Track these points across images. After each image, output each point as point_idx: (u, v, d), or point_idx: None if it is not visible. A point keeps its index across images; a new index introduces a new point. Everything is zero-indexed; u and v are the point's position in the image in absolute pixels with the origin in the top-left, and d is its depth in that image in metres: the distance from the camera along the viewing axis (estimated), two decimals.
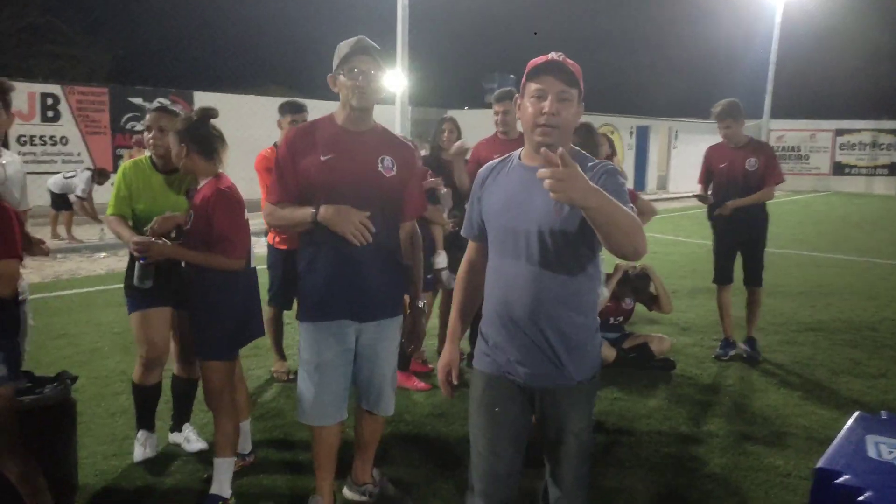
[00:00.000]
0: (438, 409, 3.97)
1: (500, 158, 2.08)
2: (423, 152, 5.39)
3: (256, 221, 3.01)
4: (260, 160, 4.19)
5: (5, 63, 21.35)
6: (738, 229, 4.97)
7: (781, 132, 25.46)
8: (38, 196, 11.19)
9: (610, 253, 1.74)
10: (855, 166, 25.14)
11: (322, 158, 2.48)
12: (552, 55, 1.90)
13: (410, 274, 2.75)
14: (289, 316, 4.53)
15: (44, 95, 12.98)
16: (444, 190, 4.39)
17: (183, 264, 2.89)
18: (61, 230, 10.21)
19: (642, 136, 23.35)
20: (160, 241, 2.80)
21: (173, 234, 3.03)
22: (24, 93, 12.82)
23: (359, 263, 2.52)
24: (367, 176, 2.52)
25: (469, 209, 2.16)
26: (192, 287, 2.82)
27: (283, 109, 4.31)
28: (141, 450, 3.33)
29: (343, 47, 2.50)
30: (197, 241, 2.76)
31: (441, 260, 4.32)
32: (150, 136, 3.14)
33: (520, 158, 2.01)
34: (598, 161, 1.96)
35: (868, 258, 9.84)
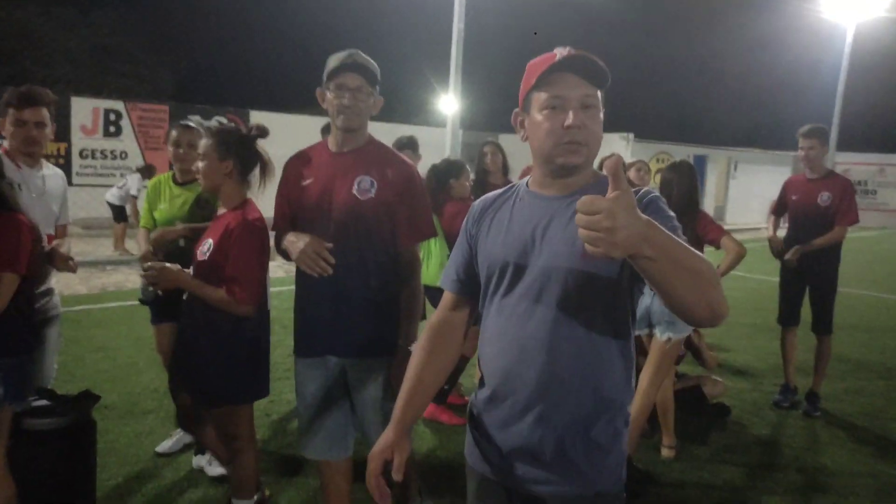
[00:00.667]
0: None
1: (499, 191, 1.64)
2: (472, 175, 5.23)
3: None
4: None
5: (78, 80, 22.33)
6: (806, 267, 4.54)
7: (848, 165, 24.44)
8: (99, 207, 11.52)
9: (676, 315, 1.28)
10: None
11: (303, 184, 2.32)
12: (559, 51, 1.42)
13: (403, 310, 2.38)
14: None
15: (107, 111, 13.43)
16: None
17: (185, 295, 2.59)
18: (129, 245, 10.26)
19: (700, 166, 22.72)
20: (173, 268, 2.47)
21: (182, 243, 3.05)
22: (88, 108, 13.30)
23: (341, 296, 2.30)
24: (337, 200, 2.27)
25: (454, 252, 1.68)
26: (198, 324, 2.50)
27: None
28: (168, 442, 3.52)
29: (332, 60, 2.27)
30: (211, 272, 2.43)
31: None
32: (181, 151, 3.29)
33: (528, 186, 1.57)
34: (635, 187, 1.48)
35: None
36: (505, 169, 4.56)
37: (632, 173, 4.75)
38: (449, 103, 12.58)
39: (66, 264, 2.71)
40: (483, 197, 1.66)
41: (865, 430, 4.29)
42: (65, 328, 3.90)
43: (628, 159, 6.73)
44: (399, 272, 2.36)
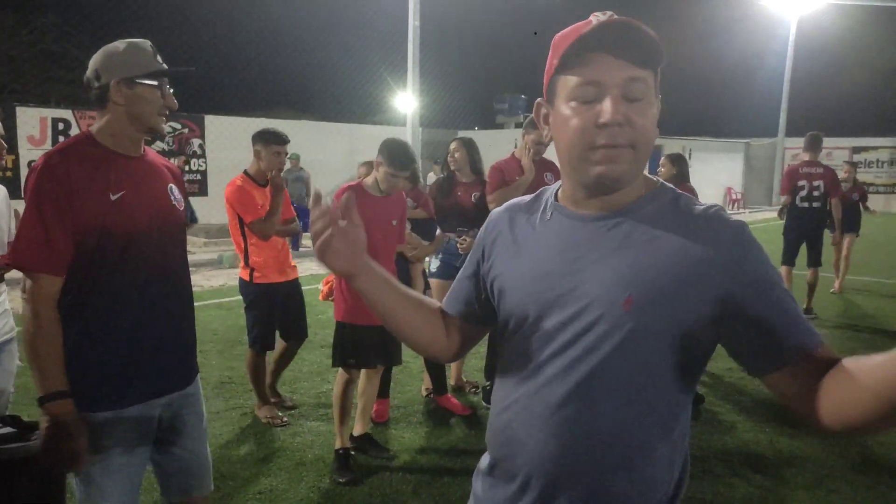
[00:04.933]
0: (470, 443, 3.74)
1: (527, 198, 1.28)
2: (432, 175, 5.19)
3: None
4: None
5: (22, 89, 21.60)
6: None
7: (797, 150, 25.14)
8: None
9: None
10: (873, 184, 24.75)
11: (112, 197, 1.83)
12: (595, 18, 1.06)
13: None
14: (306, 349, 4.35)
15: (55, 120, 13.01)
16: (457, 237, 4.22)
17: None
18: None
19: (657, 156, 23.10)
20: None
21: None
22: (35, 118, 12.86)
23: (164, 326, 1.96)
24: (164, 212, 1.97)
25: (463, 270, 1.34)
26: None
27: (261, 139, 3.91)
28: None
29: (139, 51, 1.87)
30: None
31: None
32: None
33: (557, 198, 1.21)
34: (705, 205, 1.12)
35: None
36: (474, 166, 4.44)
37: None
38: (407, 102, 12.53)
39: None
40: (506, 205, 1.30)
41: None
42: (22, 348, 3.76)
43: None
44: None
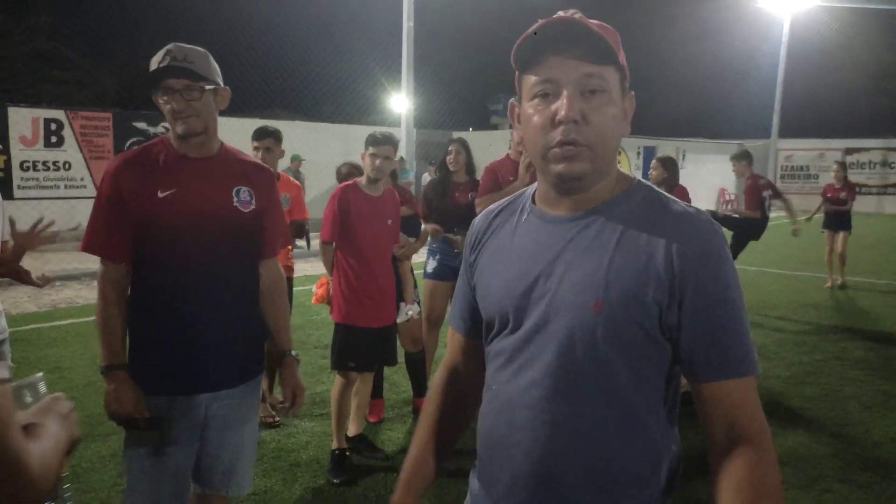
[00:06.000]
0: None
1: (506, 200, 1.29)
2: (426, 175, 5.18)
3: None
4: None
5: (14, 89, 21.48)
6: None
7: (790, 151, 25.29)
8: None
9: None
10: (865, 185, 24.88)
11: (160, 195, 1.94)
12: (561, 13, 1.08)
13: (274, 322, 2.22)
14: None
15: (47, 121, 12.93)
16: (454, 237, 4.21)
17: None
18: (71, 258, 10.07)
19: (650, 157, 23.16)
20: None
21: None
22: (27, 118, 12.79)
23: (222, 317, 2.03)
24: (220, 213, 2.02)
25: (458, 285, 1.37)
26: None
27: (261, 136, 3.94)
28: None
29: (153, 62, 1.96)
30: None
31: (412, 312, 3.92)
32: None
33: (534, 201, 1.22)
34: (683, 205, 1.12)
35: (888, 280, 9.57)
36: (469, 168, 4.48)
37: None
38: (401, 102, 12.53)
39: (32, 279, 2.80)
40: (487, 210, 1.31)
41: (827, 410, 4.42)
42: (15, 349, 3.74)
43: None
44: (269, 283, 2.20)
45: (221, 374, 2.05)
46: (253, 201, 2.09)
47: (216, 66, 2.04)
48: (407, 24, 12.19)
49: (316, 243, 11.12)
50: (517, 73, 1.14)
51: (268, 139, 3.93)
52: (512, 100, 1.18)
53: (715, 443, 1.08)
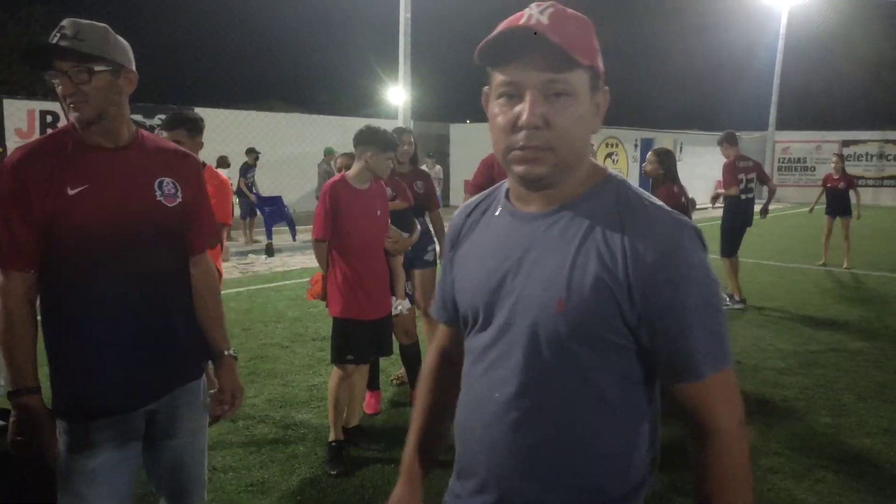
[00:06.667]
0: None
1: (483, 195, 1.30)
2: (424, 167, 5.16)
3: None
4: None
5: (9, 80, 21.37)
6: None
7: (787, 143, 25.29)
8: None
9: None
10: (861, 177, 24.91)
11: (70, 192, 1.71)
12: (528, 13, 1.06)
13: (207, 321, 2.00)
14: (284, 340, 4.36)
15: (43, 113, 12.90)
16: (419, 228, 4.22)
17: None
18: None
19: (647, 149, 23.09)
20: None
21: None
22: (23, 110, 12.76)
23: (149, 323, 1.84)
24: (141, 209, 1.80)
25: (440, 276, 1.39)
26: None
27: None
28: None
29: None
30: None
31: (401, 307, 3.87)
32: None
33: (506, 196, 1.22)
34: (653, 202, 1.11)
35: (883, 272, 9.60)
36: (413, 158, 4.56)
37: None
38: (398, 94, 12.49)
39: None
40: (464, 204, 1.33)
41: (821, 401, 4.45)
42: None
43: None
44: (201, 281, 2.00)
45: (157, 384, 1.86)
46: (178, 193, 1.87)
47: (121, 43, 1.79)
48: (404, 15, 12.12)
49: (303, 236, 11.22)
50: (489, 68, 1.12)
51: (179, 130, 3.25)
52: (486, 88, 1.16)
53: (690, 433, 1.14)
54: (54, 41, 1.69)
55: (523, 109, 1.04)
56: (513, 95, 1.06)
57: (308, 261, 10.13)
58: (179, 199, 1.88)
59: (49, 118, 12.98)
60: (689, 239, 1.06)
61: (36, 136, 12.78)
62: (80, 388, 1.78)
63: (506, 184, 1.25)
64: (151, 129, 13.40)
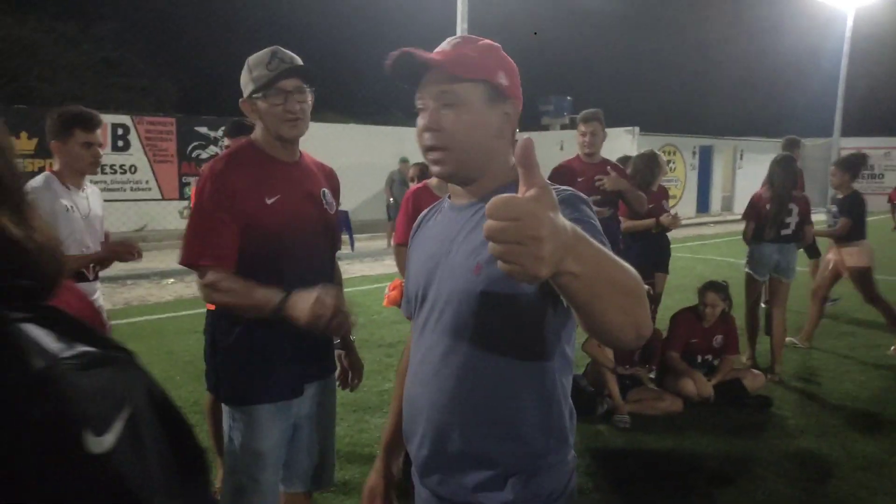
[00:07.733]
0: None
1: (434, 204, 1.52)
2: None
3: None
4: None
5: (83, 94, 22.37)
6: None
7: (853, 150, 24.43)
8: (114, 222, 11.55)
9: (591, 335, 1.14)
10: None
11: (268, 201, 1.92)
12: (442, 44, 1.30)
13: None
14: None
15: (115, 126, 13.44)
16: None
17: None
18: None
19: (706, 157, 22.72)
20: None
21: None
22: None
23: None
24: (316, 216, 2.06)
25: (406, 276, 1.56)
26: None
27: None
28: None
29: (258, 65, 1.93)
30: None
31: None
32: None
33: (449, 196, 1.42)
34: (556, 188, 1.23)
35: None
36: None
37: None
38: None
39: (130, 253, 2.91)
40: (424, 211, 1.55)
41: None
42: None
43: (634, 153, 6.75)
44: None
45: (316, 372, 2.12)
46: (333, 203, 2.16)
47: None
48: (461, 25, 12.23)
49: (360, 245, 11.32)
50: None
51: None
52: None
53: None
54: (284, 65, 1.90)
55: (423, 117, 1.27)
56: (424, 108, 1.27)
57: (367, 269, 10.27)
58: (335, 208, 2.14)
59: (120, 131, 13.52)
60: (574, 199, 1.19)
61: (108, 148, 13.35)
62: (257, 377, 1.96)
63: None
64: (216, 140, 13.67)
